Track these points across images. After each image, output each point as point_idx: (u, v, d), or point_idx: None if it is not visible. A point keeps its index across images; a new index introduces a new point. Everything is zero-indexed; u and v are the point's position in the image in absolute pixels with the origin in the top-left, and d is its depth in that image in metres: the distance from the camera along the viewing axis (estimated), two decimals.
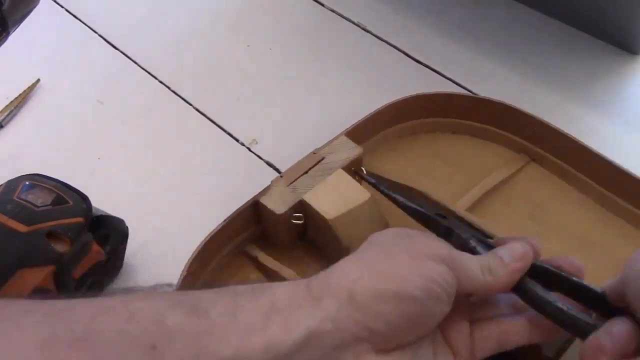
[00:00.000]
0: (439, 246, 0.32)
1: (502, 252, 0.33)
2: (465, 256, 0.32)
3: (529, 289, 0.32)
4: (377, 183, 0.45)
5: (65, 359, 0.24)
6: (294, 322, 0.27)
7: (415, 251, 0.31)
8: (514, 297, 0.33)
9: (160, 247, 0.50)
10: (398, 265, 0.30)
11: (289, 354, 0.27)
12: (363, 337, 0.28)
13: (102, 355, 0.24)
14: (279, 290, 0.29)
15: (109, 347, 0.24)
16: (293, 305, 0.28)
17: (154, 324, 0.26)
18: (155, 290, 0.31)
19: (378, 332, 0.28)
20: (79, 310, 0.26)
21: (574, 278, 0.33)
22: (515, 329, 0.33)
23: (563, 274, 0.33)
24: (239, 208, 0.45)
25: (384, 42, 0.67)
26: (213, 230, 0.44)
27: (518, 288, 0.33)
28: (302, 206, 0.45)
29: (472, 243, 0.35)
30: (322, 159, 0.47)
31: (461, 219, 0.40)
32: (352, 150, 0.48)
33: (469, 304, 0.33)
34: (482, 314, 0.33)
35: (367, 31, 0.69)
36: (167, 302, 0.27)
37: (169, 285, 0.30)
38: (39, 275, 0.41)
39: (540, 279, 0.33)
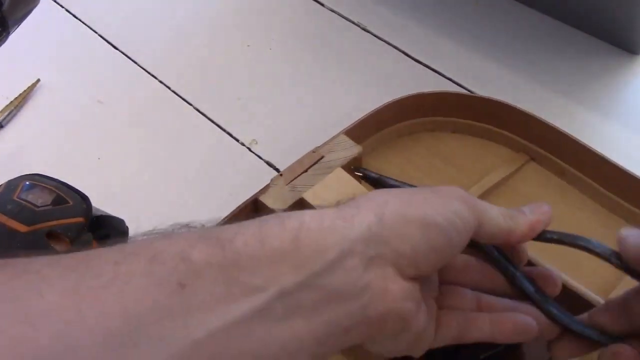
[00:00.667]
0: (462, 191, 0.32)
1: (524, 207, 0.33)
2: (487, 203, 0.32)
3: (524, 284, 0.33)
4: (376, 180, 0.45)
5: (95, 306, 0.23)
6: (325, 243, 0.27)
7: (440, 192, 0.31)
8: (480, 295, 0.34)
9: None
10: (423, 198, 0.30)
11: (319, 275, 0.26)
12: (389, 260, 0.28)
13: (132, 299, 0.24)
14: (306, 214, 0.28)
15: (137, 290, 0.24)
16: (323, 227, 0.27)
17: (179, 262, 0.25)
18: (173, 230, 0.30)
19: (403, 256, 0.28)
20: (101, 259, 0.25)
21: (581, 242, 0.33)
22: (476, 323, 0.33)
23: (567, 240, 0.33)
24: (239, 206, 0.46)
25: (384, 42, 0.67)
26: None
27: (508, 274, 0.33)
28: (301, 204, 0.45)
29: None
30: (322, 157, 0.47)
31: None
32: (351, 149, 0.48)
33: (438, 289, 0.34)
34: (448, 302, 0.34)
35: (367, 31, 0.69)
36: (190, 239, 0.26)
37: (187, 225, 0.29)
38: None
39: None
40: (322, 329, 0.26)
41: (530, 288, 0.33)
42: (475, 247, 0.34)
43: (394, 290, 0.28)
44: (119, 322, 0.23)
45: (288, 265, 0.26)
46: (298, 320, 0.26)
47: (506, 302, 0.34)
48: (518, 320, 0.33)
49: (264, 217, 0.28)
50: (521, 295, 0.33)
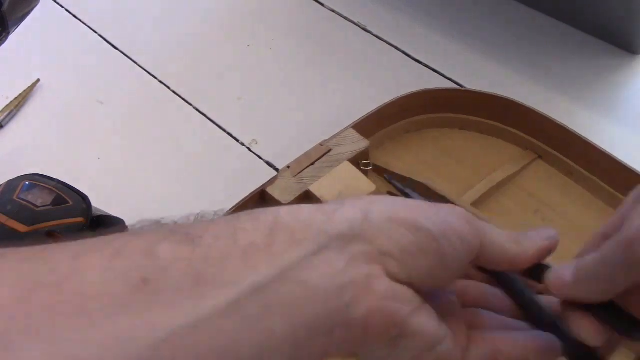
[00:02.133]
0: (464, 210, 0.30)
1: (529, 231, 0.31)
2: (491, 226, 0.30)
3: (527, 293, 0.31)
4: (386, 176, 0.45)
5: (47, 304, 0.21)
6: (301, 237, 0.25)
7: (439, 206, 0.29)
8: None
9: None
10: (417, 205, 0.28)
11: (295, 268, 0.24)
12: (375, 259, 0.26)
13: (88, 297, 0.22)
14: (282, 209, 0.27)
15: (94, 286, 0.22)
16: (299, 220, 0.26)
17: (143, 257, 0.23)
18: (142, 227, 0.28)
19: (391, 256, 0.26)
20: (60, 251, 0.23)
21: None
22: (510, 346, 0.30)
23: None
24: (245, 197, 0.46)
25: (383, 42, 0.67)
26: None
27: (513, 290, 0.32)
28: (308, 196, 0.45)
29: None
30: (329, 150, 0.48)
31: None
32: (359, 143, 0.48)
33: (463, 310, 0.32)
34: (477, 322, 0.31)
35: (367, 31, 0.69)
36: (157, 234, 0.25)
37: (157, 222, 0.28)
38: None
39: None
40: (301, 330, 0.24)
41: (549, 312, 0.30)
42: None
43: (379, 289, 0.26)
44: (68, 319, 0.21)
45: (262, 259, 0.24)
46: (275, 320, 0.24)
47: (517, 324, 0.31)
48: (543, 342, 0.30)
49: (238, 214, 0.26)
50: (534, 321, 0.31)
